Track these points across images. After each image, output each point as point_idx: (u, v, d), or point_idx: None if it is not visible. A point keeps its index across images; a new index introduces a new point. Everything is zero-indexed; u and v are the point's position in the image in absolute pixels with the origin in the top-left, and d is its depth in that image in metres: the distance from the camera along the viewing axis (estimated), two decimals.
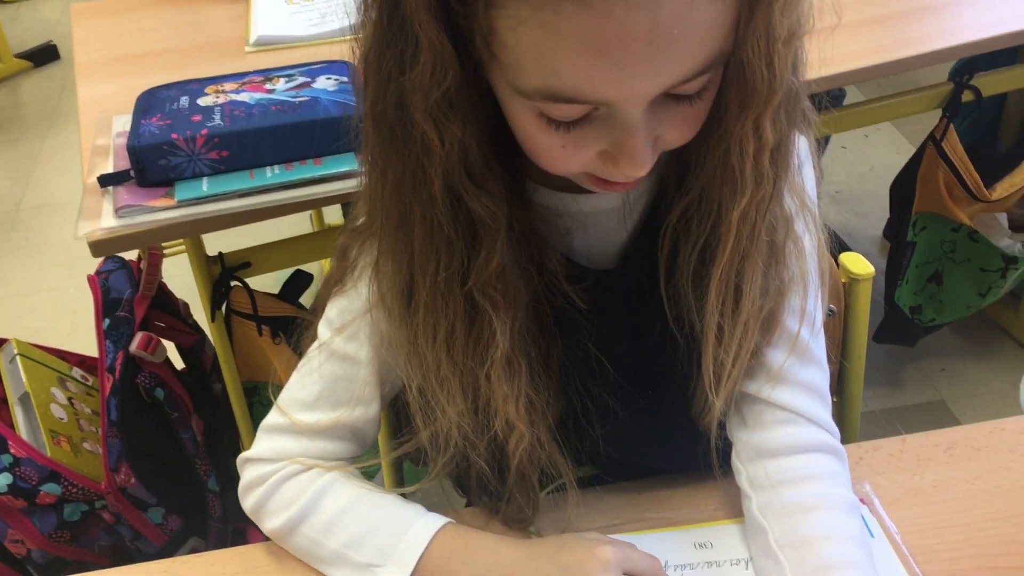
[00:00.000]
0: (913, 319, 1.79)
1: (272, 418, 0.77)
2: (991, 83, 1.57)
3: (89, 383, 1.44)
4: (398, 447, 0.74)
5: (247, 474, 0.77)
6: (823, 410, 0.73)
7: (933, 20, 1.38)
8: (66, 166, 2.78)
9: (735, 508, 0.76)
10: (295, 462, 0.75)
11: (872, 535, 0.75)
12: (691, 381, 0.71)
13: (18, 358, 1.35)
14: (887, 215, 1.91)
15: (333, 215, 2.12)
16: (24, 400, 1.32)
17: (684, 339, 0.69)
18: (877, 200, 2.07)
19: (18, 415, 1.31)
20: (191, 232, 1.13)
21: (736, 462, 0.75)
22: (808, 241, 0.70)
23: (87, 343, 1.38)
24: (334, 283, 0.75)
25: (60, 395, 1.36)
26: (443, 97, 0.56)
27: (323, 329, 0.76)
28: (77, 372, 1.44)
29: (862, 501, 0.78)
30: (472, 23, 0.54)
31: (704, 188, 0.64)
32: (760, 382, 0.72)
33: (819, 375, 0.74)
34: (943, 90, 1.55)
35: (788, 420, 0.72)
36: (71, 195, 2.61)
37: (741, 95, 0.58)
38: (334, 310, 0.75)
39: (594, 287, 0.71)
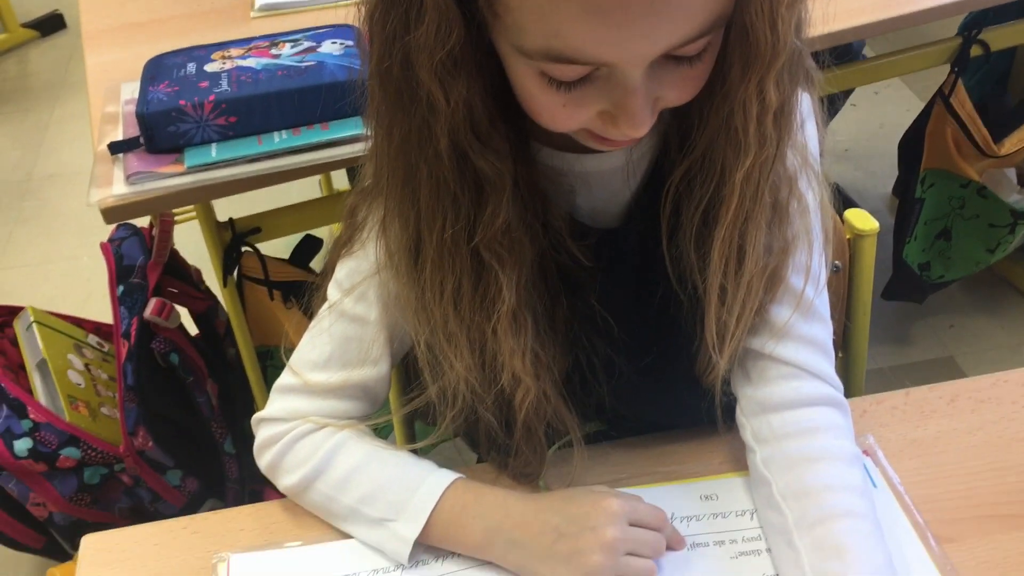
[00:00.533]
0: (922, 276, 1.79)
1: (285, 379, 0.78)
2: (1000, 37, 1.56)
3: (105, 349, 1.47)
4: (408, 403, 0.75)
5: (261, 433, 0.78)
6: (827, 364, 0.74)
7: None
8: (76, 135, 2.79)
9: (740, 462, 0.78)
10: (308, 421, 0.76)
11: (875, 486, 0.77)
12: (695, 339, 0.72)
13: (35, 325, 1.37)
14: (897, 172, 1.91)
15: (341, 180, 2.13)
16: (42, 367, 1.34)
17: (687, 298, 0.70)
18: (887, 157, 2.06)
19: (36, 381, 1.33)
20: (201, 198, 1.14)
21: (740, 417, 0.76)
22: (811, 198, 0.70)
23: (102, 310, 1.40)
24: (343, 244, 0.76)
25: (77, 361, 1.39)
26: (448, 56, 0.57)
27: (332, 290, 0.77)
28: (93, 339, 1.46)
29: (866, 453, 0.79)
30: None
31: (707, 149, 0.65)
32: (764, 338, 0.73)
33: (823, 330, 0.75)
34: (952, 45, 1.54)
35: (792, 375, 0.73)
36: (81, 164, 2.62)
37: (744, 58, 0.58)
38: (343, 271, 0.76)
39: (598, 245, 0.72)
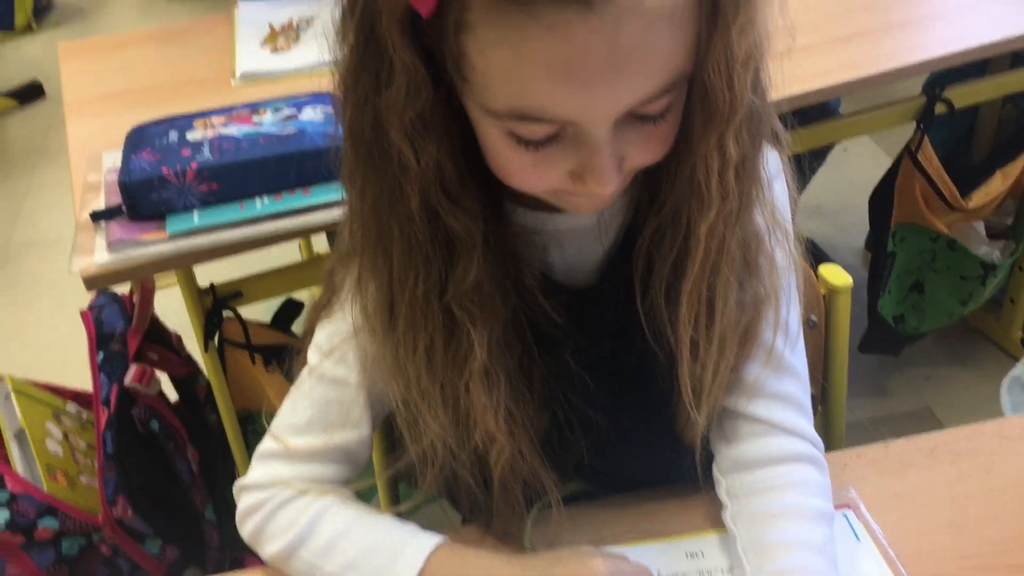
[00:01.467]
0: (896, 328, 1.81)
1: (266, 444, 0.78)
2: (963, 95, 1.60)
3: (84, 417, 1.45)
4: (391, 464, 0.75)
5: (244, 501, 0.78)
6: (802, 419, 0.75)
7: (903, 36, 1.41)
8: (54, 203, 2.79)
9: None
10: (290, 487, 0.76)
11: (859, 539, 0.77)
12: (673, 396, 0.72)
13: (12, 395, 1.35)
14: (868, 227, 1.94)
15: (322, 243, 2.14)
16: (20, 436, 1.33)
17: (664, 355, 0.71)
18: (858, 212, 2.10)
19: (14, 451, 1.32)
20: (183, 264, 1.14)
21: (717, 474, 0.77)
22: (781, 255, 0.71)
23: (81, 378, 1.39)
24: (322, 307, 0.77)
25: (55, 430, 1.37)
26: (417, 117, 0.59)
27: (312, 354, 0.77)
28: (72, 407, 1.45)
29: (847, 506, 0.80)
30: (443, 47, 0.57)
31: (675, 205, 0.66)
32: (736, 395, 0.73)
33: (796, 385, 0.75)
34: (917, 103, 1.58)
35: (764, 432, 0.74)
36: (60, 232, 2.62)
37: (705, 115, 0.60)
38: (322, 334, 0.77)
39: (571, 304, 0.73)
